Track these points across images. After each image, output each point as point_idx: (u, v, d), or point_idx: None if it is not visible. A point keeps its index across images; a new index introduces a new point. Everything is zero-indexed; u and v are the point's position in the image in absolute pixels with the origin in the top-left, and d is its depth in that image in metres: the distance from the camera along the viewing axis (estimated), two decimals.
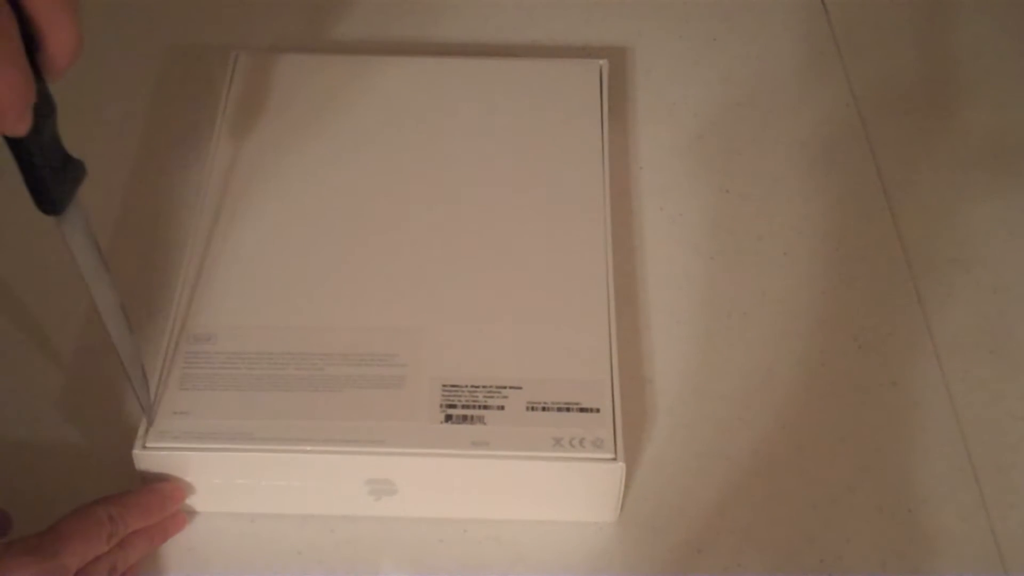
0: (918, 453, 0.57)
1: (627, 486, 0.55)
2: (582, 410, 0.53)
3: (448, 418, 0.52)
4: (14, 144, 0.43)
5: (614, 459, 0.51)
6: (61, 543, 0.47)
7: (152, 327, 0.58)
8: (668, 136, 0.70)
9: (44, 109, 0.43)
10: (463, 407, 0.53)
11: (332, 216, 0.61)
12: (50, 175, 0.45)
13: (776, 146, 0.70)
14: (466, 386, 0.54)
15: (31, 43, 0.40)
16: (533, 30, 0.76)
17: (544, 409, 0.53)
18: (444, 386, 0.54)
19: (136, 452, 0.52)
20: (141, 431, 0.52)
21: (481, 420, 0.52)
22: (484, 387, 0.53)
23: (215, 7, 0.77)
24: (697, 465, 0.56)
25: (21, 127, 0.41)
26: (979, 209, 0.67)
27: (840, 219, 0.66)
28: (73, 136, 0.71)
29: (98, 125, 0.70)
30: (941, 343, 0.61)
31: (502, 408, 0.53)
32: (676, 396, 0.59)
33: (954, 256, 0.65)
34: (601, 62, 0.68)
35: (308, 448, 0.52)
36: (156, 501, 0.52)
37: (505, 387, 0.54)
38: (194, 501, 0.54)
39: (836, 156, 0.69)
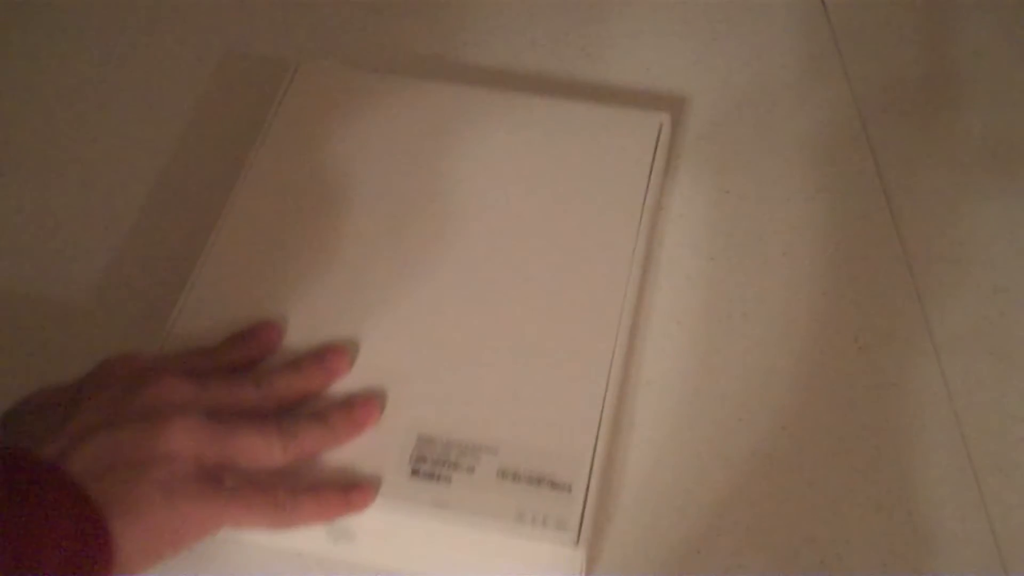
0: (918, 453, 0.57)
1: (628, 485, 0.55)
2: (553, 485, 0.51)
3: (415, 472, 0.51)
4: None
5: (575, 544, 0.49)
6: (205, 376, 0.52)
7: (155, 320, 0.58)
8: (668, 136, 0.70)
9: None
10: (433, 463, 0.51)
11: (346, 239, 0.59)
12: None
13: (776, 146, 0.70)
14: (441, 441, 0.52)
15: None
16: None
17: (515, 478, 0.51)
18: (420, 436, 0.52)
19: None
20: None
21: (448, 480, 0.51)
22: (459, 445, 0.52)
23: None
24: (697, 465, 0.56)
25: None
26: (979, 209, 0.67)
27: (840, 219, 0.66)
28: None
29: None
30: (941, 343, 0.61)
31: (472, 470, 0.51)
32: (676, 397, 0.59)
33: (954, 256, 0.65)
34: (662, 116, 0.66)
35: None
36: (310, 359, 0.54)
37: (481, 448, 0.52)
38: None
39: (836, 156, 0.69)
